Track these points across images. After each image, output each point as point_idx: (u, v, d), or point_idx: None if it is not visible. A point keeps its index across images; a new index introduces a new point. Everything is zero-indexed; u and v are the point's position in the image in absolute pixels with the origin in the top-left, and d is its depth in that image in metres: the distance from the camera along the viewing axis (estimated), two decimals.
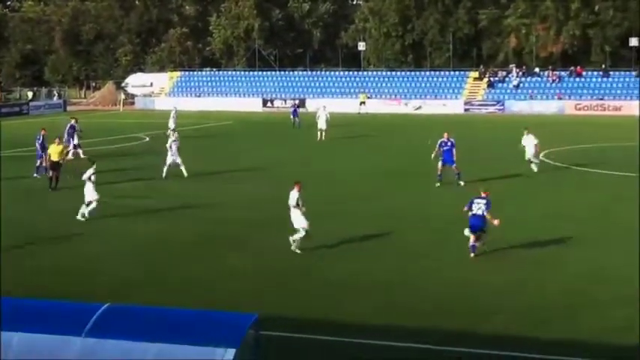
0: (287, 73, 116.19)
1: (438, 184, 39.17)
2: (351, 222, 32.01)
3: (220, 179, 43.73)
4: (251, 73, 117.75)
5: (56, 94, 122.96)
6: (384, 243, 28.76)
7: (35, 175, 44.31)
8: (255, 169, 46.95)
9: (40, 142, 45.12)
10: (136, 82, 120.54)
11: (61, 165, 40.88)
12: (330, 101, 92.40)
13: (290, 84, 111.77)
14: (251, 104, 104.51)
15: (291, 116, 76.50)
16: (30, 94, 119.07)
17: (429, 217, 33.24)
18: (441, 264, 25.86)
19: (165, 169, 43.17)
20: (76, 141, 52.44)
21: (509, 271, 24.76)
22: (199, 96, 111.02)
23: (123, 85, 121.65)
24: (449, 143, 39.79)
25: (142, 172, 45.47)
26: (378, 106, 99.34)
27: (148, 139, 64.10)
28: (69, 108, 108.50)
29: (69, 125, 53.48)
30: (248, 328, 13.88)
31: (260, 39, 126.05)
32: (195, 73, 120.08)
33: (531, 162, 43.96)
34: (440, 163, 39.60)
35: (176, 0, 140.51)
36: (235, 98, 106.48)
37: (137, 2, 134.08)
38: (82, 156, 51.00)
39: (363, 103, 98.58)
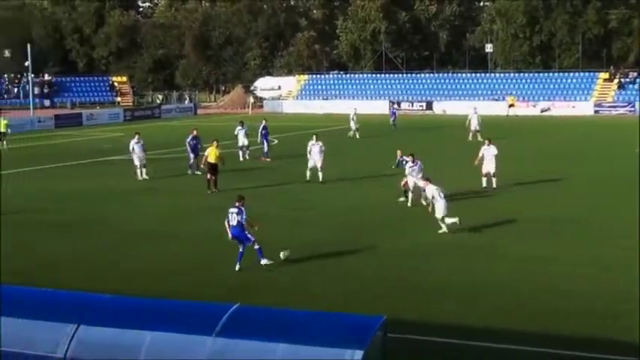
0: (414, 75, 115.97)
1: (402, 199, 36.64)
2: (471, 223, 31.90)
3: (352, 182, 43.84)
4: (378, 75, 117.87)
5: (187, 98, 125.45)
6: (503, 244, 28.53)
7: (189, 172, 46.19)
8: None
9: (189, 141, 47.13)
10: (264, 85, 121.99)
11: (218, 167, 41.07)
12: (456, 104, 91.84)
13: (417, 86, 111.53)
14: (378, 107, 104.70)
15: (391, 118, 77.11)
16: (160, 98, 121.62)
17: (546, 220, 32.79)
18: (565, 268, 25.49)
19: (308, 174, 43.39)
20: (246, 142, 53.75)
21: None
22: (326, 99, 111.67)
23: (252, 88, 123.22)
24: (404, 161, 38.05)
25: (270, 175, 46.08)
26: (504, 108, 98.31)
27: (276, 141, 64.74)
28: (199, 111, 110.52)
29: (262, 126, 55.04)
30: (376, 330, 13.94)
31: (387, 42, 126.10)
32: (323, 76, 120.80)
33: None
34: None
35: (304, 4, 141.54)
36: (362, 101, 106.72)
37: (265, 7, 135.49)
38: (246, 157, 52.67)
39: (512, 105, 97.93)
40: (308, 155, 44.13)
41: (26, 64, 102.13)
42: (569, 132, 74.14)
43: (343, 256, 27.43)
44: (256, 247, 25.26)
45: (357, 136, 68.36)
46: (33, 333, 14.52)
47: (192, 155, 46.83)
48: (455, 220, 30.10)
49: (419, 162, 36.07)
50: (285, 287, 23.94)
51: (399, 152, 38.55)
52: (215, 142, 42.04)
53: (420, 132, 75.39)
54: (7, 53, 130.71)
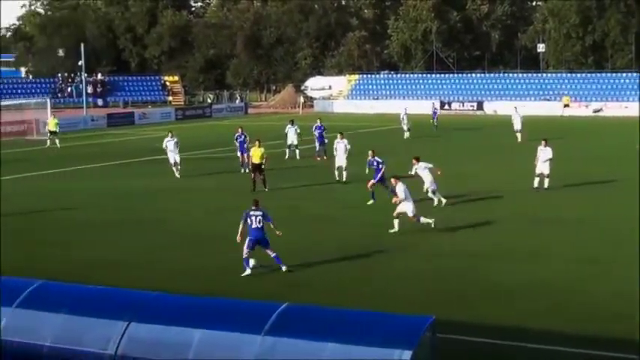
0: (465, 75, 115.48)
1: (372, 201, 36.36)
2: (515, 224, 31.81)
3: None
4: (428, 75, 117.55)
5: (238, 97, 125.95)
6: (549, 246, 28.38)
7: (242, 170, 46.62)
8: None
9: (237, 139, 48.04)
10: (315, 85, 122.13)
11: (263, 167, 41.08)
12: (508, 104, 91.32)
13: (468, 86, 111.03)
14: (429, 107, 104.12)
15: (432, 118, 76.64)
16: (211, 98, 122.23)
17: (599, 219, 32.57)
18: (610, 268, 25.32)
19: (336, 173, 43.41)
20: (296, 141, 53.97)
21: None
22: (377, 99, 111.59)
23: (302, 88, 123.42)
24: (374, 162, 37.73)
25: (319, 174, 46.17)
26: (556, 108, 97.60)
27: (326, 140, 64.76)
28: (250, 111, 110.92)
29: (315, 125, 55.08)
30: (424, 330, 13.94)
31: (438, 41, 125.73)
32: (373, 76, 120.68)
33: None
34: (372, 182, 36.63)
35: (355, 4, 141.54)
36: (413, 101, 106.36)
37: (316, 6, 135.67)
38: (296, 156, 52.78)
39: (567, 105, 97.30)
40: (335, 153, 44.19)
41: (80, 63, 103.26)
42: (621, 133, 73.38)
43: (390, 256, 27.44)
44: (273, 254, 25.15)
45: (409, 137, 68.03)
46: (85, 330, 14.70)
47: (239, 153, 47.38)
48: (430, 221, 30.02)
49: (422, 164, 35.65)
50: (334, 286, 23.99)
51: (370, 153, 37.61)
52: (257, 142, 42.04)
53: (464, 132, 74.98)
54: (60, 52, 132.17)
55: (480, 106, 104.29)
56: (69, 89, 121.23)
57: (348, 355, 13.32)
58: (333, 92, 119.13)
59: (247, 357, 13.70)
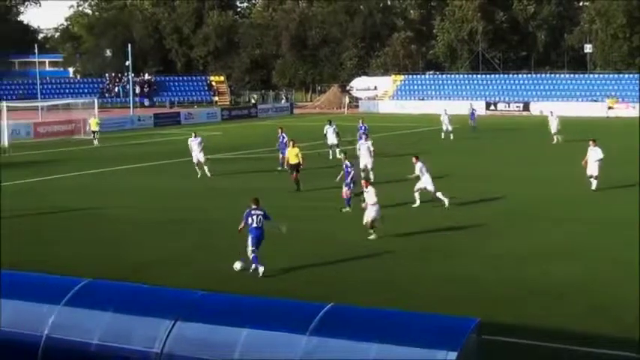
0: (511, 76, 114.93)
1: (347, 208, 35.63)
2: (566, 226, 31.62)
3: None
4: (474, 76, 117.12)
5: (283, 98, 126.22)
6: (591, 247, 28.22)
7: (279, 168, 47.19)
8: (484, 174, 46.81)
9: (280, 139, 48.78)
10: (360, 85, 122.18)
11: (299, 167, 41.31)
12: (554, 105, 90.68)
13: (514, 87, 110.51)
14: (474, 107, 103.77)
15: (470, 119, 76.13)
16: (255, 98, 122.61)
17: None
18: None
19: (362, 174, 43.37)
20: (335, 141, 54.09)
21: None
22: (422, 99, 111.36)
23: (347, 88, 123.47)
24: (345, 165, 37.27)
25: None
26: (602, 110, 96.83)
27: (371, 141, 64.68)
28: (295, 111, 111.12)
29: (360, 126, 55.30)
30: (469, 331, 13.91)
31: (484, 42, 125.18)
32: (419, 76, 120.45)
33: None
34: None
35: (400, 4, 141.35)
36: (458, 101, 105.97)
37: (362, 7, 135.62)
38: (336, 156, 52.26)
39: (611, 107, 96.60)
40: (357, 153, 44.13)
41: (127, 63, 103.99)
42: None
43: (437, 258, 27.40)
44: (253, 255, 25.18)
45: (447, 137, 67.74)
46: (131, 328, 14.81)
47: (279, 154, 47.85)
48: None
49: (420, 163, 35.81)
50: (380, 287, 23.99)
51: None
52: (291, 143, 42.63)
53: (503, 133, 74.45)
54: (108, 53, 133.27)
55: (526, 107, 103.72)
56: (116, 89, 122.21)
57: (393, 356, 13.31)
58: (379, 93, 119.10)
59: (292, 357, 13.72)
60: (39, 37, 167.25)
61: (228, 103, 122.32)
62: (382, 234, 29.49)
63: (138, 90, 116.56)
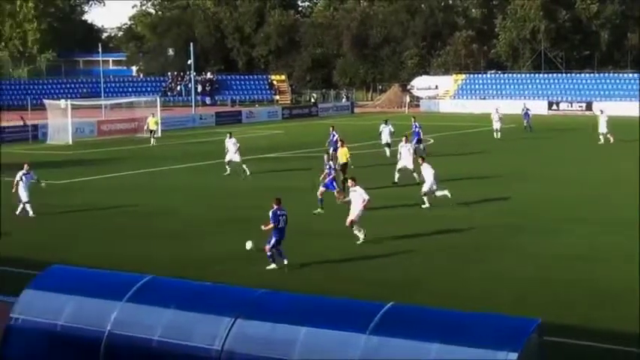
0: (573, 75, 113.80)
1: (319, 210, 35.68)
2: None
3: (494, 184, 43.54)
4: (536, 75, 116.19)
5: (344, 97, 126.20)
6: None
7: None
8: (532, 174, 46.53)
9: (331, 137, 49.46)
10: (421, 84, 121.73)
11: (347, 166, 41.46)
12: (617, 105, 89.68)
13: (576, 86, 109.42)
14: (536, 107, 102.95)
15: (524, 120, 75.21)
16: (315, 97, 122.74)
17: None
18: None
19: (397, 175, 43.09)
20: (390, 140, 54.17)
21: None
22: (483, 98, 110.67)
23: (408, 87, 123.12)
24: (327, 166, 36.72)
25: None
26: None
27: (432, 140, 64.64)
28: (356, 110, 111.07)
29: (414, 125, 55.48)
30: (530, 332, 13.83)
31: (546, 41, 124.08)
32: (480, 75, 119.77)
33: None
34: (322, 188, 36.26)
35: (462, 3, 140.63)
36: (520, 101, 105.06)
37: (423, 6, 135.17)
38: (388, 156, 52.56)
39: None
40: (398, 156, 44.18)
41: (189, 62, 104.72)
42: None
43: (495, 257, 27.29)
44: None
45: (499, 137, 66.86)
46: (192, 325, 14.94)
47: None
48: (361, 234, 29.32)
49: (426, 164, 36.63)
50: (440, 287, 23.96)
51: (325, 157, 38.50)
52: (341, 142, 43.11)
53: (556, 133, 73.65)
54: (170, 52, 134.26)
55: (588, 107, 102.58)
56: (178, 88, 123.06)
57: (453, 356, 13.29)
58: (439, 92, 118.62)
59: (352, 356, 13.75)
60: (103, 37, 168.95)
61: (288, 101, 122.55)
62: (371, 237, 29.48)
63: (200, 89, 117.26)
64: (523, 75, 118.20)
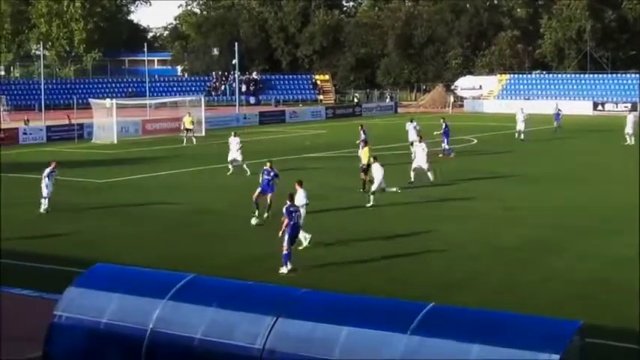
0: (619, 75, 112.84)
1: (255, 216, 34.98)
2: None
3: (543, 184, 43.35)
4: (582, 75, 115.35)
5: (388, 97, 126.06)
6: None
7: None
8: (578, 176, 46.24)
9: (362, 136, 49.68)
10: (465, 84, 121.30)
11: (369, 167, 41.42)
12: None
13: (622, 87, 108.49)
14: (581, 107, 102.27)
15: (555, 120, 74.50)
16: (357, 97, 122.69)
17: None
18: None
19: (412, 174, 42.94)
20: (416, 138, 54.12)
21: None
22: (528, 99, 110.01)
23: (452, 87, 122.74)
24: (272, 173, 35.78)
25: (467, 173, 45.96)
26: None
27: (475, 141, 64.42)
28: (399, 110, 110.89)
29: (444, 125, 55.57)
30: (572, 334, 13.75)
31: (592, 41, 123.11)
32: (525, 75, 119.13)
33: None
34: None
35: (507, 3, 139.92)
36: (565, 101, 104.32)
37: (468, 6, 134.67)
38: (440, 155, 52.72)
39: None
40: (412, 156, 44.62)
41: (233, 62, 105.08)
42: None
43: (542, 258, 27.16)
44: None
45: (523, 138, 65.69)
46: (234, 324, 15.00)
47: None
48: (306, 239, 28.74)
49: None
50: (483, 287, 23.89)
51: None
52: (363, 143, 43.40)
53: (587, 134, 73.00)
54: (215, 51, 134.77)
55: (634, 107, 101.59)
56: (222, 87, 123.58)
57: (494, 357, 13.24)
58: (484, 92, 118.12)
59: (393, 356, 13.76)
60: (148, 36, 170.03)
61: (332, 101, 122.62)
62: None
63: (244, 88, 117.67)
64: (568, 75, 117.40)
